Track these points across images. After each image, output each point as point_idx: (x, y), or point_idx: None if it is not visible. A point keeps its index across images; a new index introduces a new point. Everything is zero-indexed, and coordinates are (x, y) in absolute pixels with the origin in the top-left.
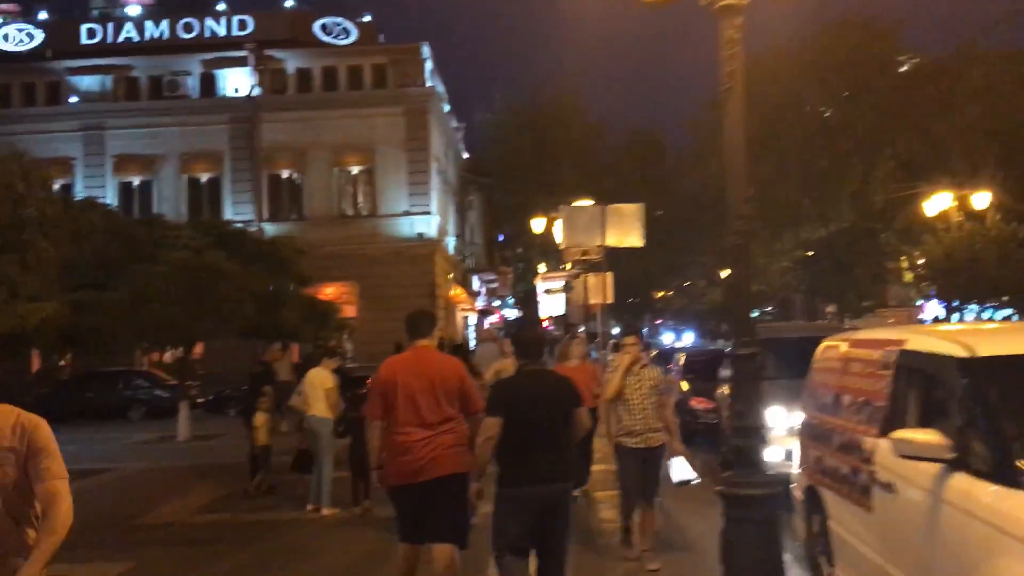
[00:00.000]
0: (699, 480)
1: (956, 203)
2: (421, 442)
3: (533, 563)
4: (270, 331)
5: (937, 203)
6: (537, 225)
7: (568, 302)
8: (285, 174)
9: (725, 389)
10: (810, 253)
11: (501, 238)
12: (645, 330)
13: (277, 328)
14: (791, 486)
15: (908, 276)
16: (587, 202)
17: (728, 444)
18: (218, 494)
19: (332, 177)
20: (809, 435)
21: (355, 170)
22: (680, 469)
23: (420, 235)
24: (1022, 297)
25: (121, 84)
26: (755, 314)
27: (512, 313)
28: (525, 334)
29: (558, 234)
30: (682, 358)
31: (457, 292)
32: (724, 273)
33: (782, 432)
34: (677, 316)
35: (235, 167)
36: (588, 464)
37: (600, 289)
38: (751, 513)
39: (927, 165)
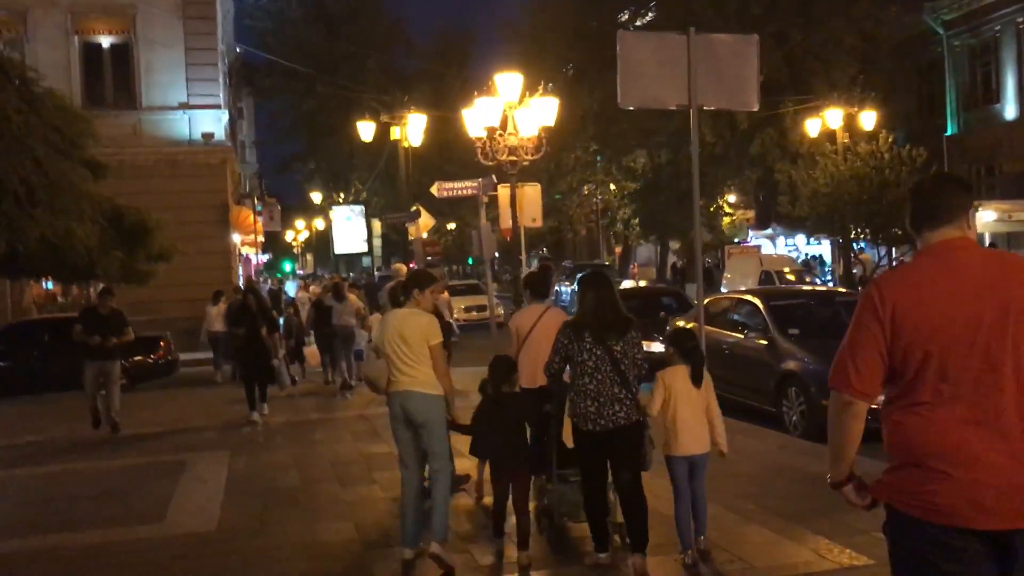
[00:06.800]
0: None
1: (843, 123)
2: (994, 446)
3: None
4: (38, 260)
5: (814, 124)
6: (365, 130)
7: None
8: None
9: None
10: (635, 186)
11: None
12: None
13: (56, 255)
14: None
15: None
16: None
17: None
18: None
19: (71, 50)
20: None
21: (106, 42)
22: None
23: (206, 137)
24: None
25: None
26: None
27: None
28: None
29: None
30: None
31: (255, 221)
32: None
33: None
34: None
35: None
36: None
37: (530, 204)
38: None
39: (785, 83)
